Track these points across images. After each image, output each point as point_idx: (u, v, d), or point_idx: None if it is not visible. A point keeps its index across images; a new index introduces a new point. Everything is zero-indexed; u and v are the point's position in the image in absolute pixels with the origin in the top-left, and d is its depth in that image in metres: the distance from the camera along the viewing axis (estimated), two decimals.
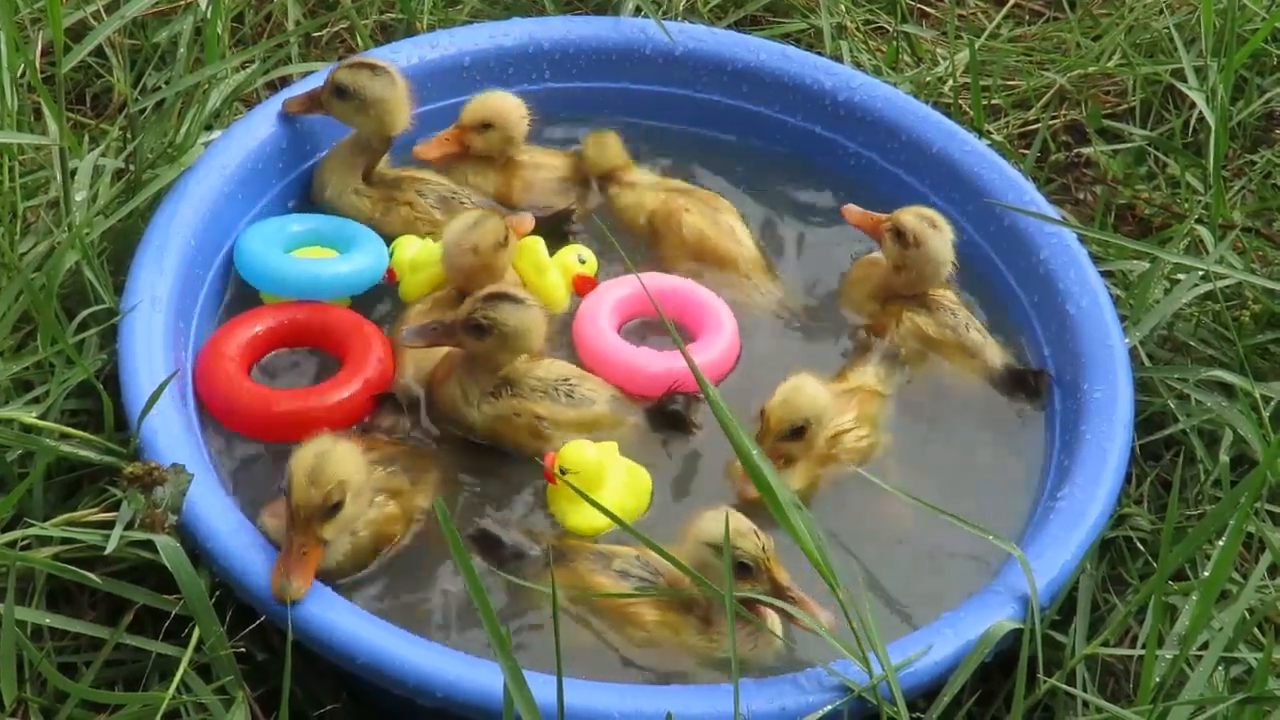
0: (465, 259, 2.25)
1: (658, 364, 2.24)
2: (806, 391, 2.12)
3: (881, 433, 2.23)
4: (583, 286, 2.37)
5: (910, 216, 2.34)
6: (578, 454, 2.07)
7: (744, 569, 1.88)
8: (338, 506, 1.87)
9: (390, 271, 2.35)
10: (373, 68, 2.36)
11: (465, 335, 2.14)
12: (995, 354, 2.33)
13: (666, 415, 2.19)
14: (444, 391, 2.18)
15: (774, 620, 1.94)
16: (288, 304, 2.28)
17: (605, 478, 2.08)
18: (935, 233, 2.33)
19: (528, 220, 2.35)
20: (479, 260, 2.25)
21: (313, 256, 2.33)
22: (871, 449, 2.21)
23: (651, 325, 2.34)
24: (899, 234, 2.33)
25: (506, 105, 2.49)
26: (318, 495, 1.85)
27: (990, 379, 2.31)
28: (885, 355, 2.31)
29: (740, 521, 1.90)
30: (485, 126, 2.48)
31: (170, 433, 1.98)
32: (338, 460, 1.88)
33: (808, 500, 2.12)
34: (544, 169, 2.55)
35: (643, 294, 2.28)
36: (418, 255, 2.35)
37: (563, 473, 2.05)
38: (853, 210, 2.40)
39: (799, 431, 2.11)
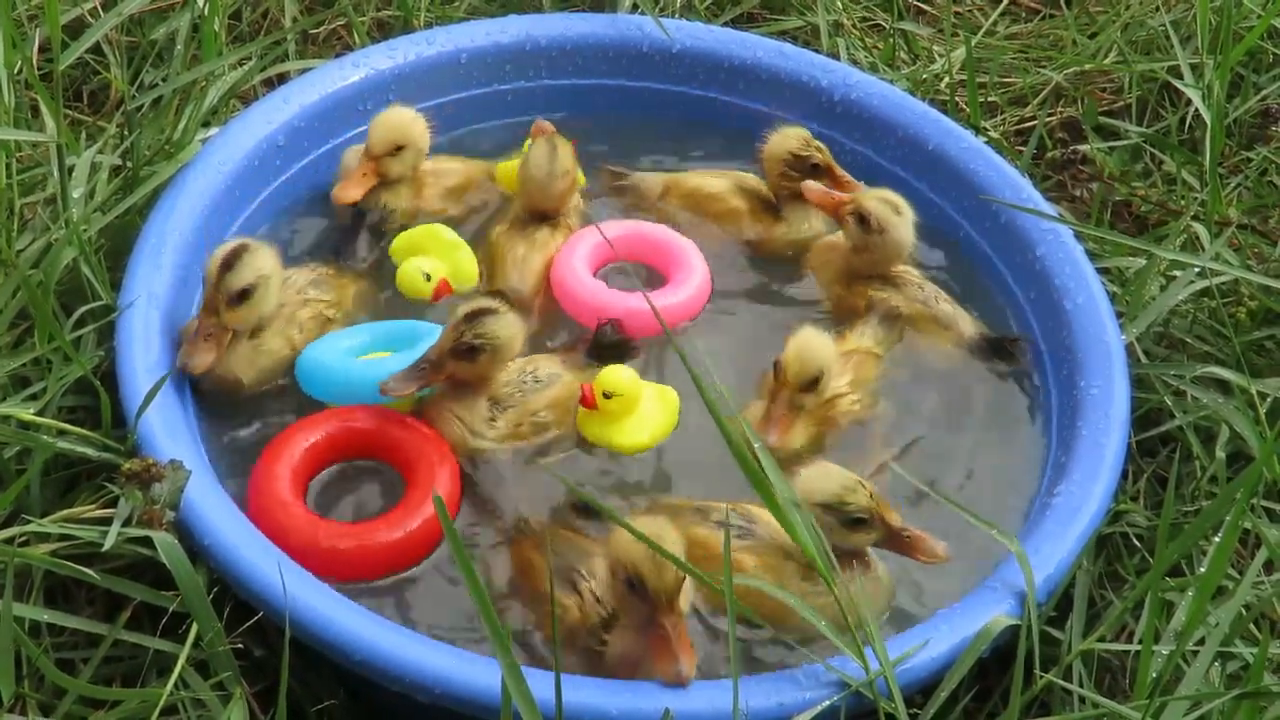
0: (561, 183, 2.39)
1: (628, 303, 2.30)
2: (818, 342, 2.16)
3: (874, 395, 2.27)
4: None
5: (873, 202, 2.36)
6: (615, 378, 2.14)
7: (859, 522, 1.94)
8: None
9: (442, 288, 2.32)
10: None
11: (458, 362, 2.10)
12: (968, 324, 2.36)
13: (607, 349, 2.23)
14: (446, 431, 2.13)
15: (881, 568, 1.99)
16: (346, 411, 2.14)
17: (641, 398, 2.16)
18: (898, 218, 2.35)
19: (548, 125, 2.48)
20: (569, 180, 2.40)
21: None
22: (865, 413, 2.24)
23: (627, 269, 2.42)
24: (862, 219, 2.35)
25: (412, 123, 2.43)
26: (670, 576, 1.80)
27: (966, 348, 2.34)
28: (884, 316, 2.33)
29: (845, 476, 1.95)
30: (398, 149, 2.40)
31: (168, 429, 1.98)
32: (675, 539, 1.84)
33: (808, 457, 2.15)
34: (446, 175, 2.50)
35: (618, 240, 2.39)
36: (449, 254, 2.36)
37: (606, 396, 2.13)
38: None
39: (814, 383, 2.15)
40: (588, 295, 2.34)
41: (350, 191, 2.39)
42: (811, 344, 2.15)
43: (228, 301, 2.11)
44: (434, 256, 2.34)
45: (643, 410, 2.17)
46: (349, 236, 2.40)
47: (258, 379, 2.19)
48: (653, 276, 2.42)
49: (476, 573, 1.52)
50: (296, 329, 2.23)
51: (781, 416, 2.14)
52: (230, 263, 2.12)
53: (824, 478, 1.96)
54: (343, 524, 2.03)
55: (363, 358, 2.20)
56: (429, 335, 2.19)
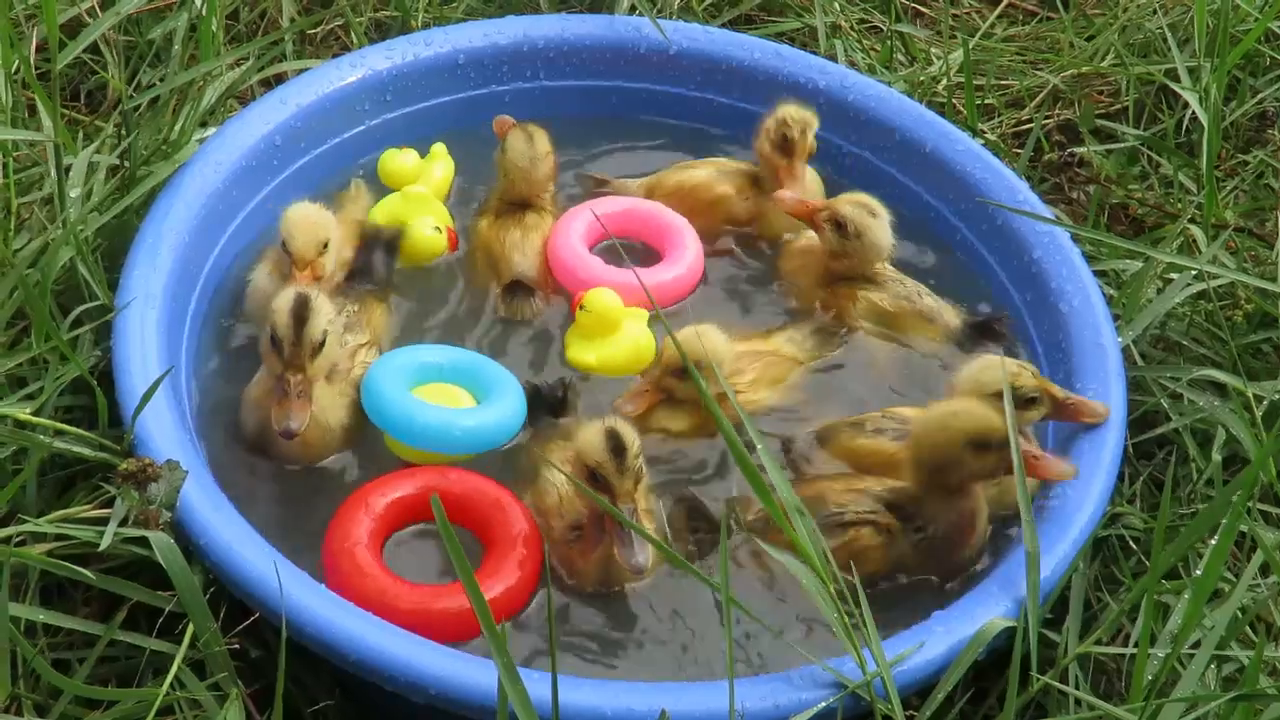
0: (544, 166, 2.46)
1: (617, 276, 2.36)
2: (707, 338, 2.19)
3: (789, 393, 2.29)
4: None
5: (849, 207, 2.38)
6: (592, 294, 2.29)
7: (1031, 401, 2.11)
8: None
9: (452, 236, 2.42)
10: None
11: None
12: (951, 315, 2.39)
13: (555, 404, 2.22)
14: (635, 553, 1.97)
15: (1035, 442, 2.13)
16: (426, 471, 2.09)
17: (618, 325, 2.28)
18: (875, 221, 2.37)
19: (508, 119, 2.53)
20: (550, 161, 2.47)
21: (442, 400, 2.16)
22: (756, 409, 2.25)
23: (625, 245, 2.46)
24: (839, 225, 2.36)
25: (323, 214, 2.29)
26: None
27: (953, 340, 2.36)
28: (819, 328, 2.36)
29: (1009, 363, 2.10)
30: (325, 246, 2.26)
31: (164, 429, 1.98)
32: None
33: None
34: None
35: (614, 216, 2.46)
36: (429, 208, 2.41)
37: (582, 309, 2.28)
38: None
39: (684, 372, 2.14)
40: (585, 270, 2.37)
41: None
42: (697, 337, 2.17)
43: (311, 355, 2.07)
44: (420, 216, 2.40)
45: (613, 338, 2.28)
46: (365, 259, 2.35)
47: (343, 438, 2.16)
48: (649, 254, 2.47)
49: (471, 570, 1.52)
50: (352, 388, 2.17)
51: (643, 392, 2.20)
52: (302, 315, 2.06)
53: (989, 369, 2.10)
54: (415, 586, 1.98)
55: (426, 388, 2.17)
56: (504, 385, 2.17)
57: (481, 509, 2.06)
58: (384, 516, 2.04)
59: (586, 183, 2.61)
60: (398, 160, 2.51)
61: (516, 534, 2.02)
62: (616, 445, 1.96)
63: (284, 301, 2.08)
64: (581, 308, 2.29)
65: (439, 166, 2.54)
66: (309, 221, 2.26)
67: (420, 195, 2.44)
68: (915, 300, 2.39)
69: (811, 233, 2.43)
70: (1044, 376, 2.15)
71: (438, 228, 2.40)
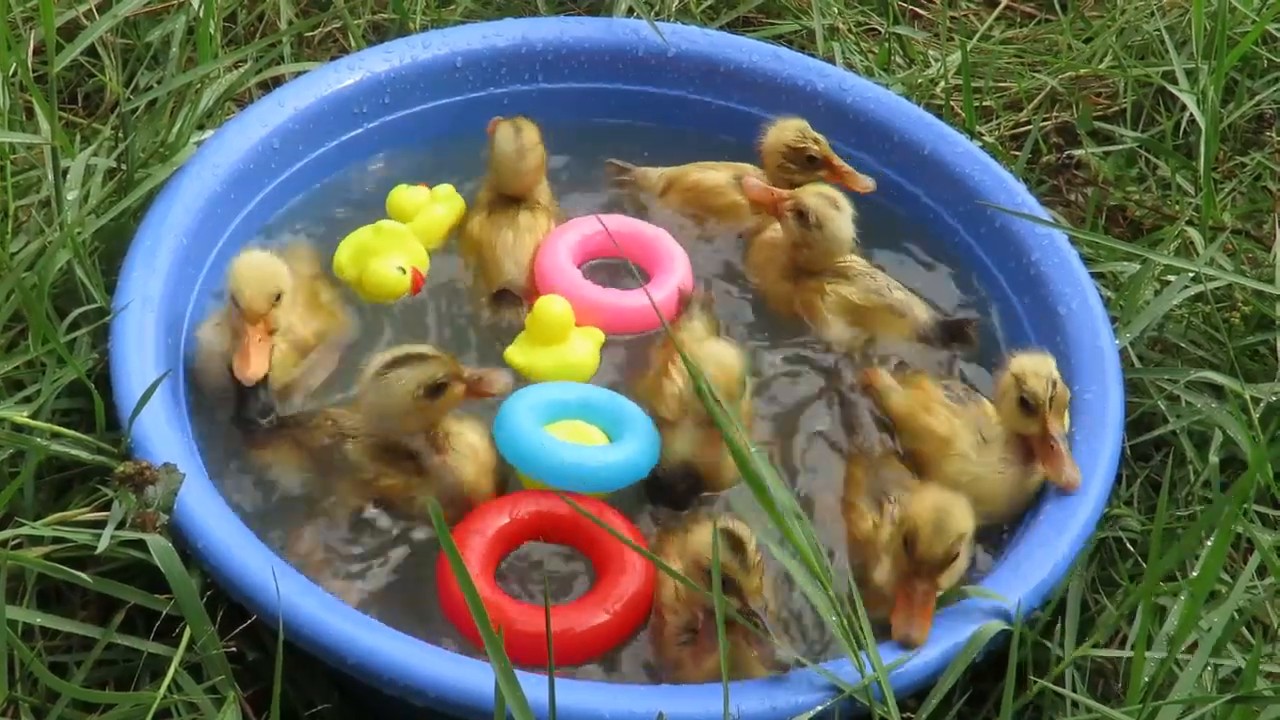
0: (531, 159, 2.43)
1: (610, 299, 2.36)
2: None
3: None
4: None
5: (812, 198, 2.37)
6: (545, 306, 2.29)
7: (1026, 406, 2.09)
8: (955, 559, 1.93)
9: (417, 278, 2.35)
10: None
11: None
12: (922, 310, 2.38)
13: (664, 488, 2.14)
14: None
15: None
16: (541, 494, 2.08)
17: (562, 337, 2.28)
18: (837, 213, 2.36)
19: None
20: (538, 155, 2.44)
21: (574, 437, 2.13)
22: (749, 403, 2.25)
23: (610, 264, 2.45)
24: (801, 215, 2.36)
25: (276, 264, 2.17)
26: (940, 548, 1.90)
27: (921, 336, 2.36)
28: (703, 305, 2.37)
29: (1049, 364, 2.11)
30: (278, 298, 2.13)
31: (161, 432, 1.98)
32: (960, 516, 1.93)
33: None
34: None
35: (603, 235, 2.43)
36: (402, 245, 2.36)
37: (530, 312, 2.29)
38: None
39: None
40: (571, 290, 2.35)
41: (257, 365, 2.08)
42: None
43: None
44: (389, 253, 2.35)
45: (553, 349, 2.27)
46: (243, 403, 2.13)
47: None
48: (637, 273, 2.42)
49: (470, 575, 1.52)
50: None
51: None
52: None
53: (1039, 362, 2.12)
54: (530, 607, 1.97)
55: (558, 425, 2.14)
56: (637, 424, 2.14)
57: (604, 542, 2.02)
58: (501, 534, 2.02)
59: (607, 170, 2.61)
60: (406, 196, 2.48)
61: (623, 553, 2.00)
62: (735, 543, 1.87)
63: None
64: (530, 312, 2.29)
65: (440, 207, 2.48)
66: (260, 271, 2.12)
67: (393, 231, 2.37)
68: (885, 294, 2.37)
69: (779, 226, 2.43)
70: (1058, 406, 2.11)
71: (402, 268, 2.33)
